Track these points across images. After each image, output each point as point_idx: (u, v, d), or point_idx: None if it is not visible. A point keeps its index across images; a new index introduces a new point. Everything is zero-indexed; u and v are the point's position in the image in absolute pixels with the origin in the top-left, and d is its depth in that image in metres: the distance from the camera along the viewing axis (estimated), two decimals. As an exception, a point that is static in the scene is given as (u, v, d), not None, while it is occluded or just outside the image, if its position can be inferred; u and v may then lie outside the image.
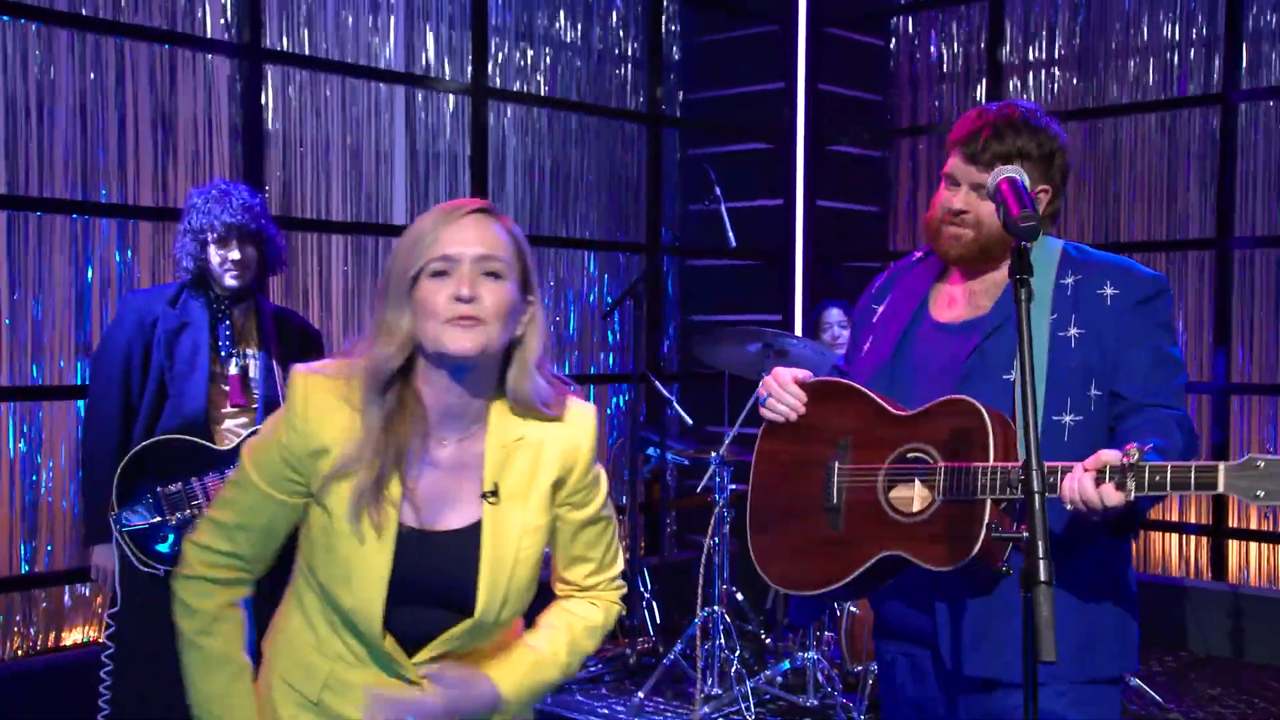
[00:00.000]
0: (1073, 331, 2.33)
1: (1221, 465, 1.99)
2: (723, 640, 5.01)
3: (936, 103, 7.14)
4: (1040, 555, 1.87)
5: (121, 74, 4.90)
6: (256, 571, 2.02)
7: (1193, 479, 2.00)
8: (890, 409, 2.35)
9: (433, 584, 1.90)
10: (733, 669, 4.95)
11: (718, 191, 5.40)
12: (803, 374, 2.46)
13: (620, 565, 2.12)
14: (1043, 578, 1.86)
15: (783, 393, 2.44)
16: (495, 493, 1.91)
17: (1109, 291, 2.34)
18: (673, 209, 7.07)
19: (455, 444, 1.92)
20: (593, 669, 5.45)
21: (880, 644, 2.55)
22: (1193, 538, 6.27)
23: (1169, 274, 6.26)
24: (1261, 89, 6.06)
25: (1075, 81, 6.64)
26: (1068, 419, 2.30)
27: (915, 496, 2.29)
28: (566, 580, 2.09)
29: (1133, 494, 2.02)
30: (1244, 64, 6.07)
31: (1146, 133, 6.42)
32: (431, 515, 1.90)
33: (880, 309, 2.57)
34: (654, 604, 5.91)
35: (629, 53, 6.83)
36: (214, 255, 3.56)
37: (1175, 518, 6.32)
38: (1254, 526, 6.08)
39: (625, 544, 5.75)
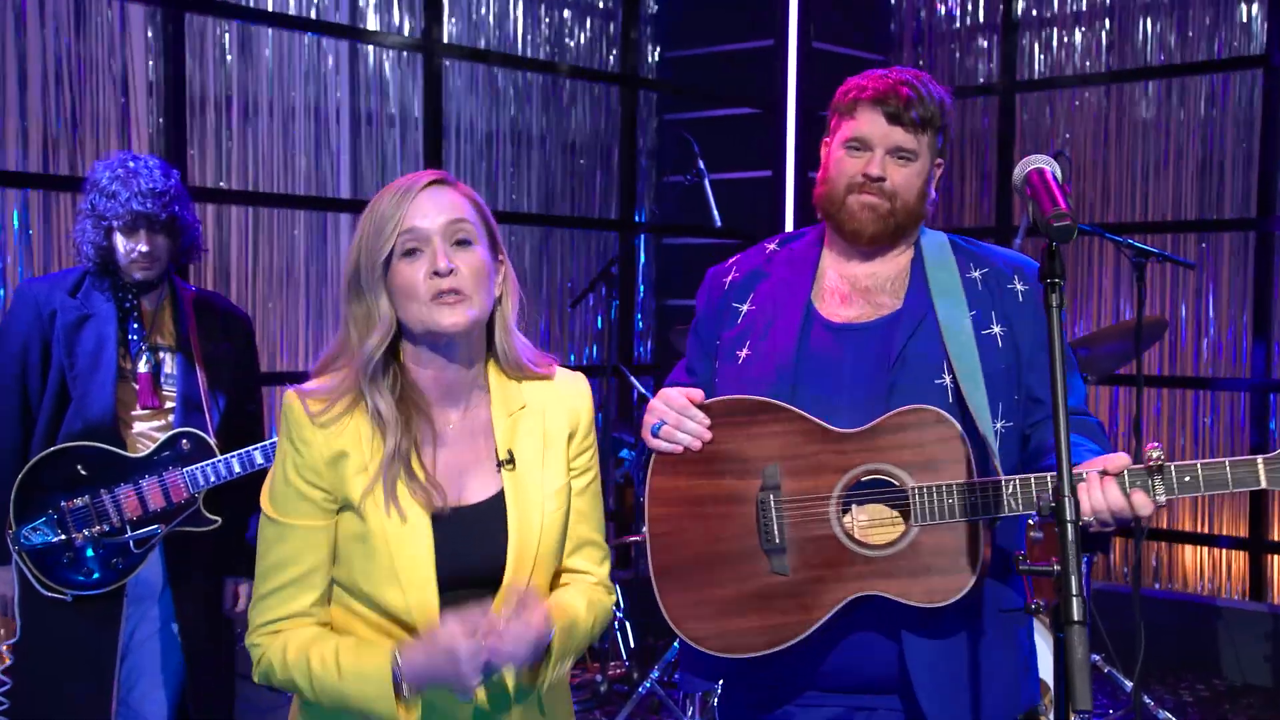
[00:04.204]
0: (996, 330, 2.33)
1: (1260, 459, 2.04)
2: (704, 668, 4.96)
3: (943, 64, 7.09)
4: (1074, 592, 1.85)
5: (22, 24, 4.79)
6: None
7: (1229, 476, 2.05)
8: (828, 426, 2.24)
9: (469, 562, 2.03)
10: (715, 698, 4.90)
11: (700, 165, 5.33)
12: (697, 393, 2.33)
13: (608, 566, 2.21)
14: (1076, 617, 1.84)
15: (682, 418, 2.30)
16: (511, 460, 2.06)
17: (1019, 287, 2.36)
18: (647, 181, 7.01)
19: (460, 417, 2.08)
20: (558, 698, 5.40)
21: (807, 698, 2.38)
22: (1227, 552, 6.26)
23: (1202, 257, 6.24)
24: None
25: (1100, 41, 6.60)
26: (999, 425, 2.27)
27: (868, 523, 2.23)
28: (565, 568, 2.17)
29: (1162, 499, 2.05)
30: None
31: (1180, 99, 6.39)
32: (455, 492, 2.04)
33: (746, 308, 2.46)
34: (627, 624, 5.86)
35: (600, 5, 6.75)
36: (120, 244, 3.47)
37: (1207, 529, 6.31)
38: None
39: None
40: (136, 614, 3.55)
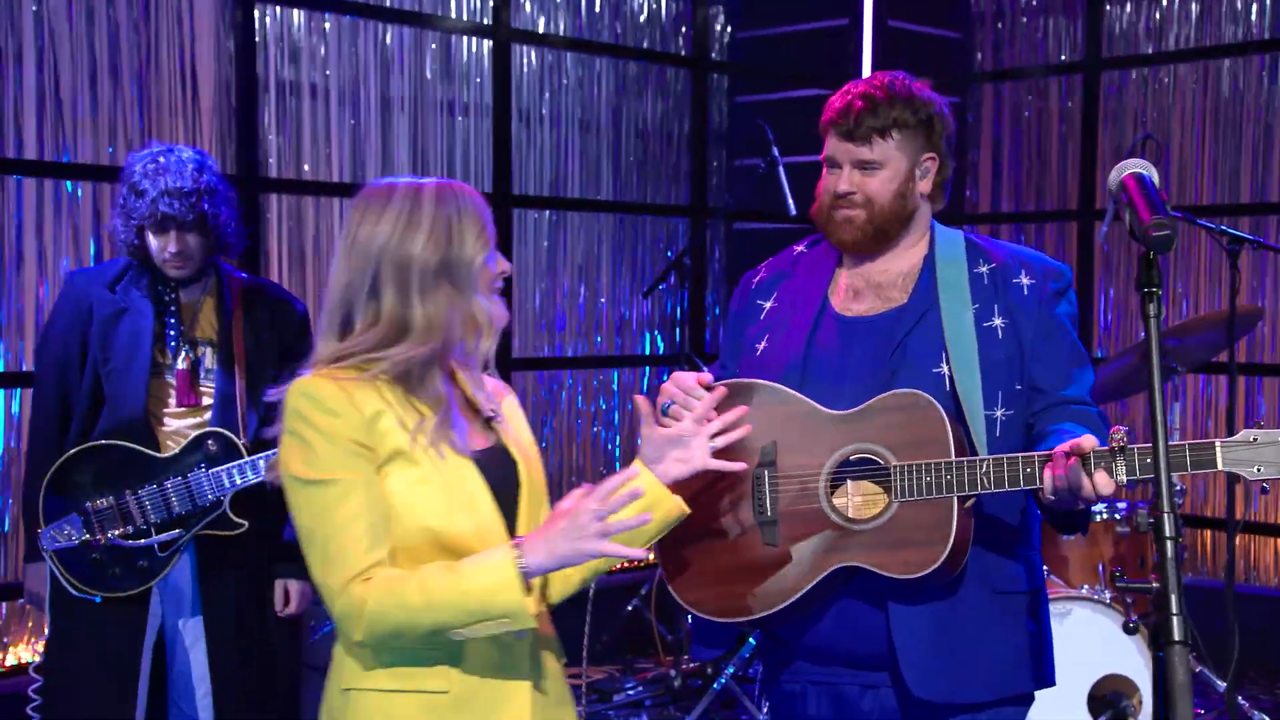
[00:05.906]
0: (997, 322, 2.49)
1: (1217, 442, 2.18)
2: (781, 665, 4.96)
3: (1024, 41, 7.00)
4: (1174, 610, 1.85)
5: (91, 17, 4.85)
6: None
7: (1188, 458, 2.19)
8: (822, 408, 2.44)
9: (502, 500, 2.22)
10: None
11: (775, 153, 5.31)
12: (705, 376, 2.49)
13: None
14: (1178, 636, 1.85)
15: (689, 399, 2.44)
16: (497, 414, 2.32)
17: (1025, 281, 2.52)
18: (719, 166, 6.99)
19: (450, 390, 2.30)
20: (631, 692, 5.43)
21: (786, 672, 2.58)
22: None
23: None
24: None
25: (1189, 14, 6.49)
26: (999, 413, 2.44)
27: (861, 501, 2.38)
28: None
29: (1124, 479, 2.17)
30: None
31: (1272, 75, 6.26)
32: (469, 444, 2.24)
33: (769, 305, 2.67)
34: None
35: (671, -14, 6.74)
36: (151, 242, 3.41)
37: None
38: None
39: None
40: (174, 616, 3.49)
